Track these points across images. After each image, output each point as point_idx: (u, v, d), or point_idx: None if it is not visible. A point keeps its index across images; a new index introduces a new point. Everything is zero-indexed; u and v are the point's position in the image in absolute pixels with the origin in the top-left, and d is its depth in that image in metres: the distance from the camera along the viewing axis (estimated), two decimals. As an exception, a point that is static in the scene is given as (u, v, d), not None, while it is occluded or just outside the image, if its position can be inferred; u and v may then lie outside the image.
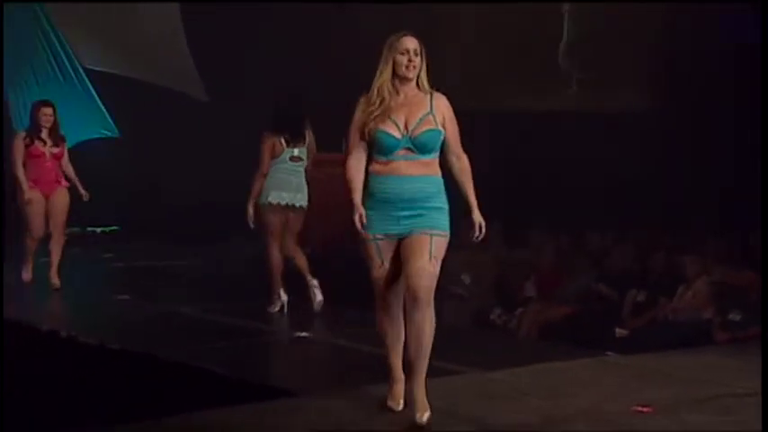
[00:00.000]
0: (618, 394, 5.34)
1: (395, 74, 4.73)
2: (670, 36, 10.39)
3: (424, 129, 4.69)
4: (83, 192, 8.76)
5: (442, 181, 4.77)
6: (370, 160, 4.77)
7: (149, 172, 12.75)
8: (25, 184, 8.56)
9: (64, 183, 8.77)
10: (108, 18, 12.84)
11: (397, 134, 4.68)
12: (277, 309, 7.86)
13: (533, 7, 11.37)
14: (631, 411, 4.99)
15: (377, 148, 4.72)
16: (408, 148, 4.69)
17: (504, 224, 8.75)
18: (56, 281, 8.77)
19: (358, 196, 4.73)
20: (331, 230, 9.31)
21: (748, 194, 8.10)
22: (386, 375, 4.92)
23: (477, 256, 8.55)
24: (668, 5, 10.27)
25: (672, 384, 5.59)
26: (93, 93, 13.09)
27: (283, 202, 7.71)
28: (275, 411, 4.97)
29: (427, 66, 4.78)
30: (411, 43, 4.73)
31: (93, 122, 12.90)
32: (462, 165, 4.81)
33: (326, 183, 8.38)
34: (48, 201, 8.68)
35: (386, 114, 4.69)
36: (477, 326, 8.37)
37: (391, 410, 4.86)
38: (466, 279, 8.77)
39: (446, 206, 4.76)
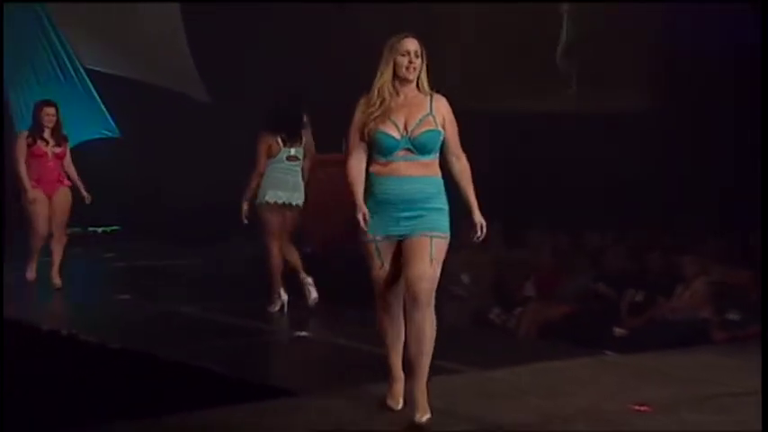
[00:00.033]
0: (616, 393, 5.36)
1: (395, 75, 4.74)
2: (670, 36, 10.39)
3: (424, 129, 4.70)
4: (85, 194, 8.79)
5: (442, 182, 4.78)
6: (370, 161, 4.78)
7: (150, 172, 12.78)
8: (28, 184, 8.59)
9: (66, 182, 8.79)
10: (108, 18, 12.86)
11: (396, 135, 4.69)
12: (277, 308, 7.89)
13: (533, 7, 11.38)
14: (630, 410, 5.01)
15: (376, 149, 4.73)
16: (408, 149, 4.70)
17: (504, 224, 8.75)
18: (57, 280, 8.80)
19: (360, 196, 4.74)
20: (331, 230, 9.33)
21: (748, 194, 8.10)
22: (385, 374, 4.93)
23: (476, 255, 8.56)
24: (668, 5, 10.27)
25: (670, 383, 5.60)
26: (94, 93, 13.12)
27: (280, 201, 7.77)
28: (275, 411, 4.98)
29: (428, 67, 4.80)
30: (412, 45, 4.75)
31: (93, 123, 12.93)
32: (462, 166, 4.82)
33: (326, 183, 8.41)
34: (50, 200, 8.71)
35: (386, 115, 4.70)
36: (476, 325, 8.37)
37: (390, 409, 4.87)
38: (465, 279, 8.78)
39: (446, 207, 4.77)
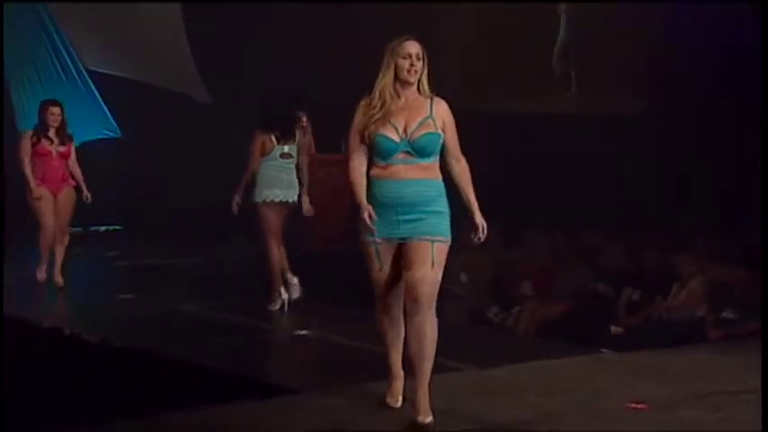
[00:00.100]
0: (613, 391, 5.40)
1: (396, 78, 4.75)
2: (670, 36, 10.40)
3: (423, 132, 4.71)
4: (86, 194, 8.83)
5: (442, 185, 4.78)
6: (370, 164, 4.78)
7: (151, 172, 12.79)
8: (33, 182, 8.62)
9: (70, 182, 8.82)
10: (109, 19, 12.88)
11: (395, 138, 4.69)
12: (277, 307, 7.91)
13: (533, 7, 11.39)
14: (626, 408, 5.04)
15: (376, 152, 4.74)
16: (407, 152, 4.70)
17: (504, 224, 8.77)
18: (60, 280, 8.82)
19: (363, 196, 4.73)
20: (331, 230, 9.37)
21: (748, 194, 8.12)
22: (385, 373, 4.96)
23: (474, 255, 8.58)
24: (668, 5, 10.28)
25: (666, 381, 5.64)
26: (96, 93, 13.15)
27: (277, 199, 7.81)
28: (275, 409, 5.00)
29: (429, 70, 4.80)
30: (413, 48, 4.75)
31: (95, 123, 12.94)
32: (461, 168, 4.82)
33: (326, 183, 8.45)
34: (55, 199, 8.75)
35: (386, 118, 4.71)
36: (475, 324, 8.40)
37: (390, 407, 4.90)
38: (463, 278, 8.81)
39: (447, 210, 4.77)
